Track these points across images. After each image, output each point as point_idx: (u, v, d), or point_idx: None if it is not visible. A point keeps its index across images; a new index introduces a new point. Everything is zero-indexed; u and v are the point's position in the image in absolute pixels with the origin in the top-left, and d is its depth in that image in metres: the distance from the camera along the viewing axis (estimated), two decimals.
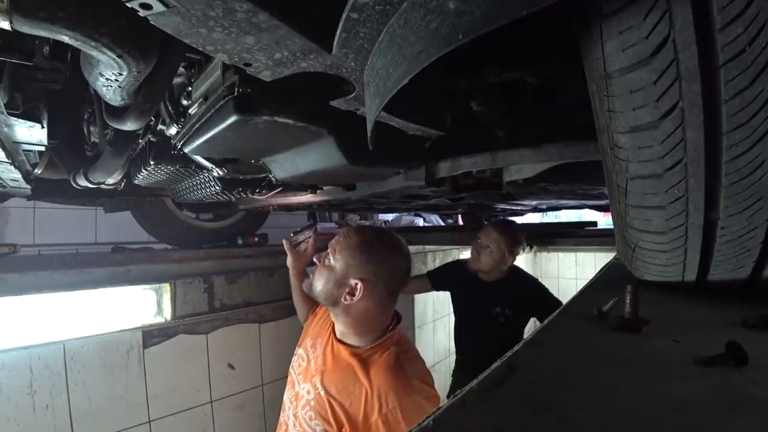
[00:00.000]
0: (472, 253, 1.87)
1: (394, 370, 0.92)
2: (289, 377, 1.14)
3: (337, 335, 1.06)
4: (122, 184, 1.55)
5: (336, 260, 0.99)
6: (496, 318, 1.82)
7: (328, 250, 1.02)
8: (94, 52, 0.61)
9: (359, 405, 0.90)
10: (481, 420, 0.34)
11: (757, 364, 0.43)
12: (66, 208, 2.76)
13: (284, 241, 1.37)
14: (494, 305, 1.83)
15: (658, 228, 0.62)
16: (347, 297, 0.96)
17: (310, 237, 1.36)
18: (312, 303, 1.34)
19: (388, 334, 1.01)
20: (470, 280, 1.90)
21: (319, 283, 1.00)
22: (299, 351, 1.16)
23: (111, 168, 1.28)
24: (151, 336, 1.82)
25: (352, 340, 1.02)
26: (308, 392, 1.00)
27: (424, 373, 0.98)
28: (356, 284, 0.95)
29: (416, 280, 2.10)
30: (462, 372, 2.03)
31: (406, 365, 0.95)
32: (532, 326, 2.02)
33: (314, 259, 1.07)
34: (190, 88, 0.90)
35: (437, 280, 2.06)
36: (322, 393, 0.96)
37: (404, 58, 0.45)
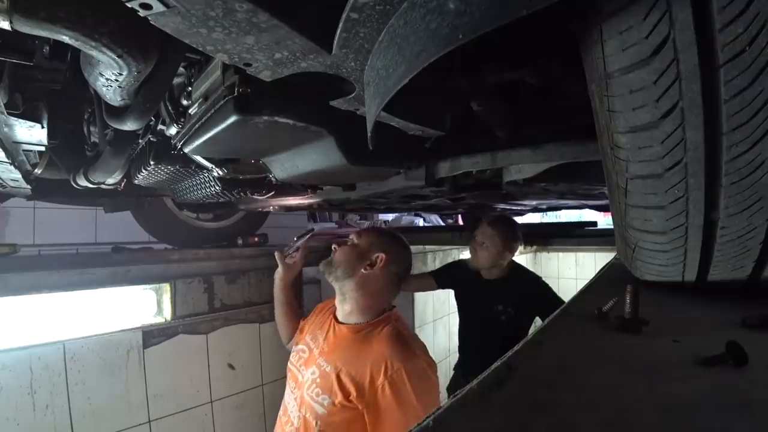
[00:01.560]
0: (470, 251, 1.89)
1: (396, 339, 1.04)
2: (288, 373, 1.16)
3: (339, 319, 1.16)
4: (122, 184, 1.55)
5: (360, 240, 1.19)
6: (498, 316, 1.82)
7: (350, 237, 1.22)
8: (94, 52, 0.61)
9: (365, 371, 0.98)
10: (481, 420, 0.34)
11: (757, 364, 0.43)
12: (66, 208, 2.76)
13: (276, 253, 1.42)
14: (496, 303, 1.83)
15: (658, 228, 0.62)
16: (367, 267, 1.13)
17: (299, 248, 1.43)
18: (297, 319, 1.40)
19: (386, 314, 1.15)
20: (472, 279, 1.91)
21: (342, 257, 1.16)
22: (299, 347, 1.22)
23: (111, 168, 1.28)
24: (151, 336, 1.82)
25: (354, 318, 1.13)
26: (313, 373, 1.07)
27: (422, 345, 1.11)
28: (377, 257, 1.14)
29: (421, 278, 2.13)
30: (463, 370, 2.03)
31: (406, 336, 1.08)
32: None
33: (333, 247, 1.22)
34: (190, 88, 0.90)
35: (441, 278, 2.08)
36: (328, 369, 1.03)
37: (404, 58, 0.45)
